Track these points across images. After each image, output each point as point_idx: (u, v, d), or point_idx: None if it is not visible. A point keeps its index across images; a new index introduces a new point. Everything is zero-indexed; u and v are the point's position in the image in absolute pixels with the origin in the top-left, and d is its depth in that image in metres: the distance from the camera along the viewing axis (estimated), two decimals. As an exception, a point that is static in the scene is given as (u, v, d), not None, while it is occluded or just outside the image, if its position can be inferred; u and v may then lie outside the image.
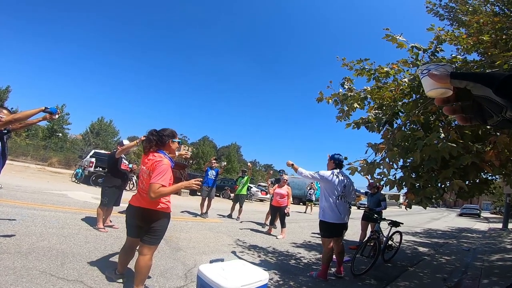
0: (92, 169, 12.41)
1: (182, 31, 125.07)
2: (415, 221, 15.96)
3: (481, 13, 3.62)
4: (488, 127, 2.40)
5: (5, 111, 2.94)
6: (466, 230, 13.77)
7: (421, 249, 7.13)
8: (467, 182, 2.92)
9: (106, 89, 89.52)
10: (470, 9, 4.16)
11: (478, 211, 29.80)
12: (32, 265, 2.83)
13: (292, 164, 3.93)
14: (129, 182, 11.65)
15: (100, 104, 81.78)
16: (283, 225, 6.71)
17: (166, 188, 2.41)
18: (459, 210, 34.33)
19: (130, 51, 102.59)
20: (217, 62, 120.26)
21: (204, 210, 8.10)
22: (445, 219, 21.47)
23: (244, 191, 8.87)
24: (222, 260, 2.44)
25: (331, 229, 3.73)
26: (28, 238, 3.63)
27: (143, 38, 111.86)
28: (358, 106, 3.65)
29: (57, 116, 3.03)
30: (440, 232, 12.02)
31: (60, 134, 28.73)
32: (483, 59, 2.71)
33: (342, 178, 3.80)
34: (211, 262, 2.36)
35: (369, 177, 3.31)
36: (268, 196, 17.58)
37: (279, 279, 3.59)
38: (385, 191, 5.88)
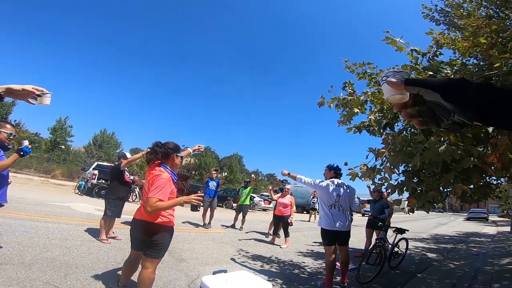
0: (95, 181, 12.45)
1: (183, 42, 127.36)
2: (422, 227, 15.74)
3: (475, 16, 3.67)
4: (489, 129, 2.40)
5: (8, 126, 2.98)
6: (475, 234, 13.57)
7: (429, 255, 7.02)
8: (471, 186, 2.89)
9: (108, 100, 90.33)
10: (464, 14, 4.23)
11: (486, 215, 29.36)
12: (36, 276, 2.82)
13: (288, 173, 4.02)
14: (131, 193, 11.65)
15: (102, 116, 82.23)
16: (286, 234, 6.66)
17: (164, 203, 2.37)
18: (466, 214, 33.89)
19: (131, 61, 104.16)
20: (219, 73, 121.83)
21: (207, 221, 8.07)
22: (452, 224, 21.18)
23: (247, 202, 8.86)
24: (225, 271, 2.41)
25: (329, 236, 3.72)
26: (32, 249, 3.62)
27: (144, 48, 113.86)
28: (358, 111, 3.66)
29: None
30: (447, 237, 11.83)
31: (63, 147, 28.87)
32: (481, 63, 2.74)
33: (337, 187, 3.81)
34: (214, 273, 2.33)
35: (370, 183, 3.30)
36: (271, 205, 17.48)
37: (283, 289, 3.54)
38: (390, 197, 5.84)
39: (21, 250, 3.54)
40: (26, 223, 4.98)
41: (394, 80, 0.60)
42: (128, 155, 5.32)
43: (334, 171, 3.97)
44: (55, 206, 7.67)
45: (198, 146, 3.66)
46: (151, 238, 2.48)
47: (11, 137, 2.90)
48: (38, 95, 1.30)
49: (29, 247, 3.71)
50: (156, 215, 2.49)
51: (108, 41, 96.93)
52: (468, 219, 29.17)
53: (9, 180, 3.23)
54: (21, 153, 2.76)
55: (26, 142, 2.84)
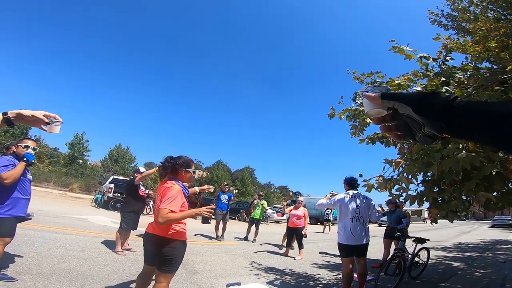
0: (111, 195, 12.72)
1: (197, 60, 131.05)
2: (444, 236, 15.06)
3: (483, 20, 3.62)
4: None
5: (29, 142, 3.13)
6: (500, 241, 12.84)
7: (453, 263, 6.70)
8: (495, 194, 2.77)
9: (122, 115, 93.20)
10: (471, 17, 4.17)
11: (511, 222, 28.04)
12: (53, 286, 2.88)
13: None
14: (146, 207, 11.81)
15: (117, 131, 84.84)
16: (300, 246, 6.54)
17: (176, 214, 2.37)
18: (490, 221, 32.49)
19: (141, 78, 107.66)
20: (231, 86, 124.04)
21: (220, 233, 8.06)
22: (476, 232, 20.28)
23: (258, 216, 8.83)
24: (239, 284, 2.37)
25: (346, 250, 3.64)
26: (50, 260, 3.71)
27: (157, 64, 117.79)
28: (371, 121, 3.62)
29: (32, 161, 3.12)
30: (472, 245, 11.25)
31: (81, 161, 29.81)
32: (494, 66, 2.68)
33: (356, 199, 3.74)
34: (227, 286, 2.30)
35: (387, 194, 3.22)
36: (284, 217, 17.23)
37: (298, 302, 3.45)
38: (407, 207, 5.67)
39: (39, 260, 3.63)
40: (45, 234, 5.12)
41: (372, 94, 0.63)
42: (142, 169, 5.47)
43: (347, 183, 3.92)
44: (73, 218, 7.86)
45: (208, 187, 3.84)
46: (163, 252, 2.43)
47: (33, 150, 3.04)
48: (47, 123, 1.26)
49: (47, 257, 3.81)
50: (167, 229, 2.45)
51: (122, 58, 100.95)
52: (492, 226, 28.14)
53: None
54: (24, 159, 2.91)
55: (29, 149, 3.01)
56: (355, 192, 3.80)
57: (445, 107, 0.53)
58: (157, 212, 2.44)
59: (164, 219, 2.33)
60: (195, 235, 8.15)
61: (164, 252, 2.43)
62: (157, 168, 4.39)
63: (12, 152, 3.04)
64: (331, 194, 3.99)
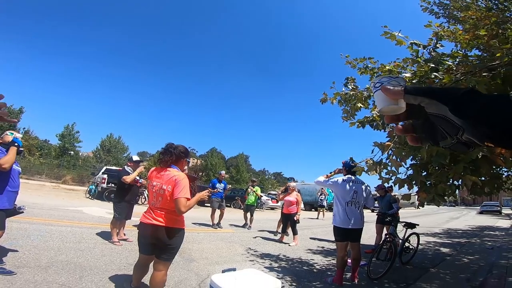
0: (104, 185, 12.67)
1: (186, 44, 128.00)
2: (433, 222, 15.58)
3: (474, 9, 3.63)
4: None
5: (11, 131, 3.13)
6: (488, 228, 13.36)
7: (442, 249, 6.96)
8: (483, 178, 2.84)
9: (113, 104, 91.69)
10: (463, 6, 4.17)
11: (499, 208, 28.87)
12: (52, 278, 2.91)
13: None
14: (140, 196, 11.82)
15: (108, 120, 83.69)
16: (294, 232, 6.68)
17: (191, 201, 2.48)
18: (478, 208, 33.31)
19: (133, 64, 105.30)
20: (222, 74, 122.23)
21: (216, 221, 8.18)
22: (465, 218, 20.86)
23: (253, 201, 8.97)
24: (234, 269, 2.45)
25: (341, 234, 3.73)
26: (47, 253, 3.74)
27: (147, 51, 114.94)
28: (362, 106, 3.66)
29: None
30: (460, 231, 11.68)
31: (72, 152, 29.40)
32: (484, 54, 2.70)
33: (353, 184, 3.80)
34: (223, 272, 2.37)
35: (377, 177, 3.28)
36: (278, 204, 17.50)
37: (292, 286, 3.57)
38: (396, 191, 5.81)
39: (37, 253, 3.65)
40: (41, 227, 5.12)
41: (391, 87, 0.50)
42: (136, 157, 5.51)
43: (346, 168, 3.94)
44: (68, 211, 7.84)
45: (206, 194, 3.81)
46: (166, 241, 2.46)
47: (14, 135, 3.04)
48: None
49: (45, 250, 3.83)
50: (173, 219, 2.51)
51: (110, 46, 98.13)
52: (481, 212, 28.71)
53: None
54: (15, 144, 2.92)
55: (18, 135, 3.06)
56: (353, 177, 3.85)
57: (501, 108, 0.42)
58: (166, 203, 2.47)
59: (187, 208, 2.42)
60: (193, 223, 8.25)
61: (166, 241, 2.47)
62: (141, 168, 5.08)
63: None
64: (334, 172, 4.03)
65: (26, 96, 70.84)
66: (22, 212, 3.27)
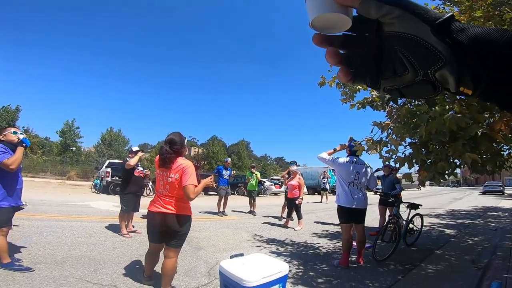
0: (109, 179, 12.82)
1: (184, 36, 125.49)
2: (437, 203, 15.70)
3: None
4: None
5: (13, 129, 3.17)
6: (491, 208, 13.41)
7: (446, 231, 7.03)
8: (484, 156, 2.84)
9: (110, 99, 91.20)
10: None
11: (502, 188, 28.73)
12: (69, 273, 3.04)
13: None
14: (145, 188, 11.97)
15: (107, 113, 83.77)
16: (299, 216, 6.79)
17: (199, 187, 2.61)
18: (481, 188, 33.05)
19: (131, 55, 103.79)
20: (218, 61, 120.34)
21: (221, 209, 8.34)
22: (467, 199, 20.91)
23: (254, 186, 9.22)
24: (242, 255, 2.54)
25: (346, 214, 3.80)
26: (61, 248, 3.87)
27: (146, 42, 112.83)
28: (361, 87, 3.66)
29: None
30: (464, 212, 11.75)
31: (74, 148, 29.55)
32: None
33: (355, 165, 3.84)
34: (231, 257, 2.45)
35: (377, 156, 3.31)
36: (282, 189, 17.70)
37: (298, 270, 3.68)
38: (400, 172, 5.77)
39: (51, 249, 3.78)
40: (52, 223, 5.26)
41: None
42: (136, 149, 5.54)
43: (350, 149, 3.96)
44: (76, 206, 8.02)
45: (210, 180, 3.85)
46: (176, 228, 2.59)
47: (18, 135, 3.09)
48: None
49: (58, 245, 3.97)
50: (183, 207, 2.63)
51: (107, 39, 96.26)
52: (484, 192, 28.48)
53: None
54: (24, 144, 3.00)
55: (20, 135, 3.11)
56: (355, 158, 3.88)
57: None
58: (175, 191, 2.58)
59: (195, 194, 2.56)
60: (198, 212, 8.42)
61: (177, 228, 2.59)
62: (140, 154, 5.18)
63: (0, 141, 3.05)
64: (338, 149, 4.07)
65: (23, 94, 70.42)
66: (23, 208, 3.40)
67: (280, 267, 2.34)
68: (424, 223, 5.72)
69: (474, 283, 3.37)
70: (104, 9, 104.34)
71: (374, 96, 3.41)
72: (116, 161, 15.69)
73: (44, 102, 79.02)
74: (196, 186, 2.56)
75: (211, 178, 2.98)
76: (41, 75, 78.56)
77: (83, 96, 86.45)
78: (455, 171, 2.87)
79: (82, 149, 32.61)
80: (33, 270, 2.98)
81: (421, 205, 5.07)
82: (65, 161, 25.01)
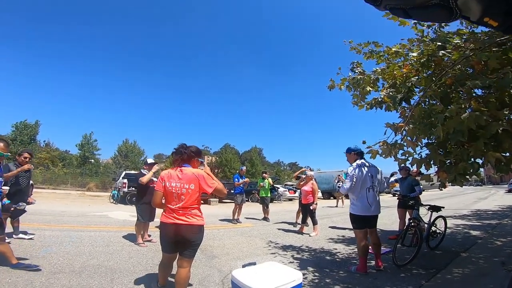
0: (126, 189, 13.11)
1: (198, 43, 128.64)
2: (460, 203, 15.04)
3: None
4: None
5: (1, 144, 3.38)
6: None
7: (472, 232, 6.69)
8: (507, 154, 2.69)
9: (125, 110, 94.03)
10: None
11: None
12: (86, 282, 3.10)
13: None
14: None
15: (123, 126, 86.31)
16: (314, 222, 6.67)
17: (221, 184, 2.78)
18: (506, 186, 31.30)
19: (141, 66, 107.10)
20: (229, 68, 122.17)
21: (235, 216, 8.33)
22: (493, 198, 19.91)
23: (266, 194, 9.17)
24: (254, 263, 2.51)
25: (360, 221, 3.69)
26: (79, 258, 3.97)
27: (153, 49, 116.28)
28: (371, 89, 3.59)
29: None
30: (490, 212, 11.15)
31: (93, 161, 30.57)
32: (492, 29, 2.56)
33: (368, 168, 3.72)
34: (243, 266, 2.43)
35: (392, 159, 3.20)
36: (296, 195, 17.52)
37: (314, 277, 3.58)
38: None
39: (70, 259, 3.89)
40: (71, 233, 5.42)
41: None
42: (150, 160, 5.66)
43: (356, 153, 3.85)
44: (94, 216, 8.25)
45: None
46: (190, 238, 2.60)
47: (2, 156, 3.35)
48: None
49: (77, 255, 4.07)
50: (195, 216, 2.65)
51: (121, 47, 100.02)
52: (510, 191, 27.12)
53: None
54: None
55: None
56: (364, 161, 3.77)
57: None
58: (189, 202, 2.62)
59: (224, 190, 2.78)
60: (211, 220, 8.44)
61: (191, 238, 2.60)
62: (156, 167, 5.19)
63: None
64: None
65: (43, 109, 73.92)
66: (23, 208, 3.57)
67: (293, 276, 2.29)
68: (448, 225, 5.46)
69: (505, 286, 3.17)
70: (107, 14, 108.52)
71: (383, 97, 3.35)
72: (132, 172, 16.07)
73: (63, 117, 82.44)
74: (219, 183, 2.72)
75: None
76: (59, 91, 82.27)
77: (100, 110, 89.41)
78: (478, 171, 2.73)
79: (100, 161, 33.67)
80: (39, 269, 3.23)
81: (443, 207, 4.82)
82: (84, 173, 25.90)
